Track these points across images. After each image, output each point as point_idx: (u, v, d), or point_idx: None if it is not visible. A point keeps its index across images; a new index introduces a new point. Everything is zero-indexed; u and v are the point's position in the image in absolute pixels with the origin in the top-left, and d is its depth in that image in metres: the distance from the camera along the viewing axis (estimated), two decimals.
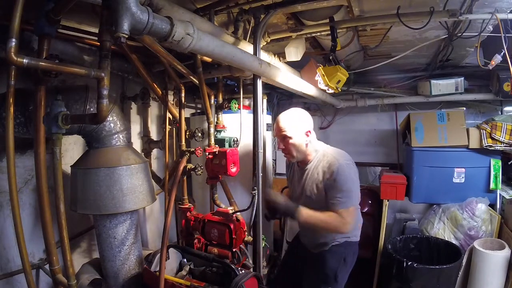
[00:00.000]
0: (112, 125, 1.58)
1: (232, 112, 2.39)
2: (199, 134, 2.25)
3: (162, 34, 0.96)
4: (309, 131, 1.69)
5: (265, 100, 2.73)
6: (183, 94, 2.09)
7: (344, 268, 1.83)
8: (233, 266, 1.50)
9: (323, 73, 1.92)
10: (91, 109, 1.49)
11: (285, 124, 1.67)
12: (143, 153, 2.44)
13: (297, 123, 1.68)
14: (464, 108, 3.05)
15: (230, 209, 1.80)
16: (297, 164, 1.83)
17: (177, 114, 2.16)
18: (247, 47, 1.66)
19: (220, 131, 2.31)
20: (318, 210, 1.64)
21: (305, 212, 1.59)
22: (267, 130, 2.88)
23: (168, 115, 2.29)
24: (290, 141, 1.67)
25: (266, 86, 2.63)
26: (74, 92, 1.51)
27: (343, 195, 1.60)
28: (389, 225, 2.99)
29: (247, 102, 2.66)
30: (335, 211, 1.60)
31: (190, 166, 1.95)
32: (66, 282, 1.32)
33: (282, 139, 1.70)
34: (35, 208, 1.74)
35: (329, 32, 1.76)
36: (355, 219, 1.68)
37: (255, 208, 1.63)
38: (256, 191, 1.64)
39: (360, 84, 3.21)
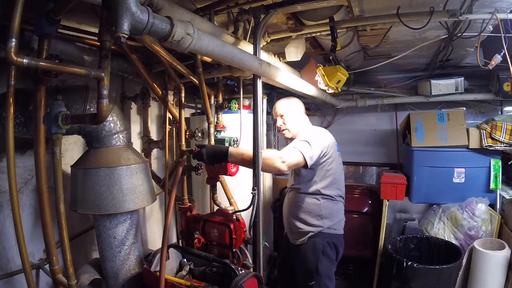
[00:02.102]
0: (112, 125, 1.58)
1: (232, 112, 2.39)
2: (199, 134, 2.25)
3: (162, 34, 0.96)
4: (298, 111, 2.11)
5: (265, 100, 2.74)
6: (183, 94, 2.09)
7: (325, 260, 1.91)
8: (233, 266, 1.50)
9: (323, 73, 1.92)
10: (91, 109, 1.49)
11: (279, 106, 2.14)
12: (143, 153, 2.43)
13: (288, 105, 2.13)
14: (464, 108, 3.05)
15: (230, 209, 1.80)
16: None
17: (177, 114, 2.16)
18: (247, 47, 1.66)
19: (220, 131, 2.31)
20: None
21: (236, 149, 1.72)
22: (267, 130, 2.89)
23: (168, 115, 2.29)
24: (284, 117, 2.09)
25: (266, 86, 2.63)
26: (74, 92, 1.51)
27: (296, 142, 1.84)
28: (389, 225, 2.99)
29: (247, 102, 2.66)
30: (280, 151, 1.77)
31: (190, 166, 1.95)
32: (66, 282, 1.32)
33: (278, 118, 2.12)
34: (35, 208, 1.74)
35: (329, 32, 1.76)
36: (294, 162, 1.76)
37: (255, 208, 1.63)
38: (256, 191, 1.64)
39: (360, 84, 3.21)
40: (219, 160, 1.72)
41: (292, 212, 2.03)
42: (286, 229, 2.14)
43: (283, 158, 1.71)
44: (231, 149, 1.70)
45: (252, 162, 1.62)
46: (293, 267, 2.03)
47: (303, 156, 1.77)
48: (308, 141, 1.83)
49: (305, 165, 1.80)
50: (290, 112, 2.10)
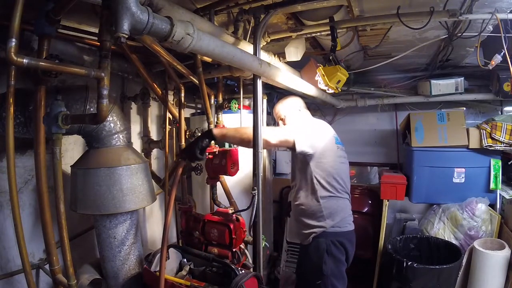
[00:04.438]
0: (112, 125, 1.58)
1: (232, 112, 2.39)
2: (199, 134, 2.25)
3: (162, 34, 0.96)
4: (296, 108, 2.13)
5: (265, 100, 2.73)
6: (183, 94, 2.09)
7: (330, 260, 1.87)
8: (233, 266, 1.50)
9: (323, 73, 1.91)
10: (91, 109, 1.49)
11: (278, 109, 2.17)
12: (143, 153, 2.43)
13: (285, 105, 2.16)
14: (464, 108, 3.05)
15: (230, 209, 1.80)
16: None
17: (177, 114, 2.16)
18: (247, 47, 1.66)
19: None
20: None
21: (219, 129, 1.83)
22: None
23: (168, 115, 2.29)
24: (284, 119, 2.12)
25: (266, 86, 2.63)
26: (74, 92, 1.51)
27: (291, 125, 1.97)
28: (389, 225, 2.99)
29: (247, 102, 2.66)
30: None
31: (190, 166, 1.95)
32: (66, 282, 1.32)
33: (278, 118, 2.17)
34: (35, 208, 1.74)
35: (329, 32, 1.76)
36: (283, 138, 1.83)
37: (255, 208, 1.63)
38: (256, 191, 1.64)
39: (360, 84, 3.21)
40: (207, 137, 1.77)
41: (295, 216, 2.02)
42: (290, 230, 2.11)
43: (274, 131, 1.85)
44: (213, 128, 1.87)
45: (252, 163, 1.61)
46: (302, 266, 2.02)
47: (294, 136, 1.83)
48: (302, 128, 1.91)
49: (293, 147, 1.84)
50: (289, 112, 2.14)
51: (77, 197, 1.54)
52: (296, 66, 2.39)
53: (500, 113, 3.02)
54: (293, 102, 2.17)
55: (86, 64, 1.79)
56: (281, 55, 2.18)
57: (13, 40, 0.95)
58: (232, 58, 1.30)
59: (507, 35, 1.63)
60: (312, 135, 1.90)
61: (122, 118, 1.64)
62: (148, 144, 2.46)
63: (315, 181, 1.93)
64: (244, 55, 1.38)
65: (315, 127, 2.00)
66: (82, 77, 1.11)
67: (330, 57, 1.88)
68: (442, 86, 2.82)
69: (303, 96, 2.51)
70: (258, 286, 1.49)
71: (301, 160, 1.95)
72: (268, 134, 1.78)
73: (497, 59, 1.74)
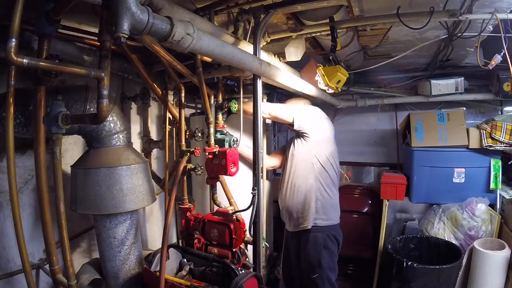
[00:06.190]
0: (112, 125, 1.58)
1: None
2: (199, 134, 2.24)
3: (162, 34, 0.96)
4: (302, 103, 2.44)
5: (265, 100, 2.73)
6: (183, 94, 2.09)
7: (326, 254, 2.02)
8: (233, 266, 1.50)
9: (323, 73, 1.92)
10: (91, 109, 1.49)
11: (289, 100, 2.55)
12: (143, 153, 2.43)
13: (294, 99, 2.50)
14: (464, 108, 3.05)
15: (230, 209, 1.80)
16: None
17: (177, 114, 2.16)
18: (247, 47, 1.66)
19: (220, 131, 2.31)
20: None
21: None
22: (267, 130, 2.88)
23: (168, 115, 2.28)
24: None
25: (266, 86, 2.62)
26: (74, 92, 1.51)
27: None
28: (389, 225, 2.99)
29: None
30: None
31: (190, 166, 1.95)
32: (66, 282, 1.32)
33: None
34: (35, 208, 1.74)
35: (329, 32, 1.76)
36: (280, 112, 2.19)
37: (255, 208, 1.63)
38: (256, 191, 1.65)
39: (360, 84, 3.21)
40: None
41: (290, 207, 2.15)
42: (284, 218, 2.24)
43: (272, 106, 2.13)
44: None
45: (252, 163, 1.62)
46: (295, 261, 2.07)
47: (292, 114, 2.09)
48: (299, 109, 2.18)
49: (291, 124, 2.07)
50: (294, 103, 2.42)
51: (77, 197, 1.54)
52: (296, 66, 2.39)
53: (500, 113, 3.02)
54: (302, 100, 2.46)
55: (86, 64, 1.79)
56: (281, 55, 2.18)
57: (13, 40, 0.95)
58: (232, 58, 1.30)
59: (507, 35, 1.63)
60: (313, 119, 2.12)
61: (122, 118, 1.64)
62: (148, 144, 2.46)
63: (318, 169, 2.03)
64: (244, 55, 1.38)
65: (320, 115, 2.20)
66: (82, 77, 1.11)
67: (330, 57, 1.88)
68: (442, 86, 2.82)
69: (306, 97, 2.53)
70: (258, 286, 1.50)
71: (303, 154, 2.05)
72: (269, 106, 2.04)
73: (497, 59, 1.74)
